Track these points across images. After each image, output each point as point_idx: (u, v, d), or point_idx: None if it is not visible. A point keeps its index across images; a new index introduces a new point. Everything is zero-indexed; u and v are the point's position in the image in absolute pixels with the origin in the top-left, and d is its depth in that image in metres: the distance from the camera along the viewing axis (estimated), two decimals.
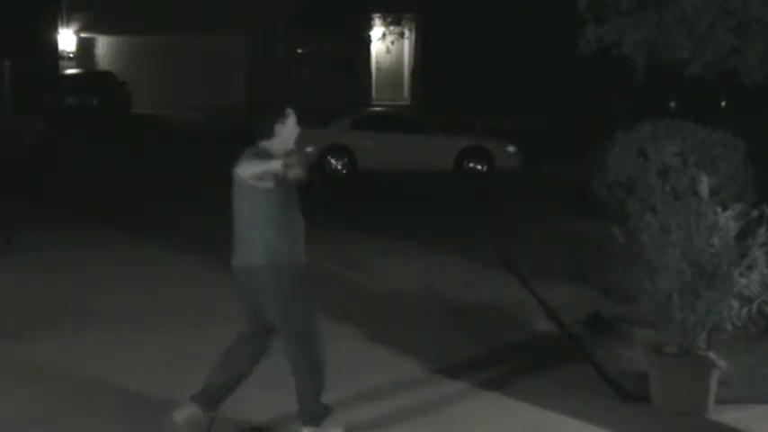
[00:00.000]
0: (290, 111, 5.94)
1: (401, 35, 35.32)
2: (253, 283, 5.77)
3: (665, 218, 6.52)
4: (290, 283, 5.73)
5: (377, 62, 36.49)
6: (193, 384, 6.77)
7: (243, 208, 5.77)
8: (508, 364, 7.37)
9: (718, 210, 6.34)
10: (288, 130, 5.88)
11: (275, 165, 5.53)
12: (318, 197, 16.12)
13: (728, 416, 6.25)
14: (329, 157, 18.55)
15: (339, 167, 18.39)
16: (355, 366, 7.11)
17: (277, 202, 5.69)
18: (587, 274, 9.58)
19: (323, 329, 5.91)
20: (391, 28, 35.04)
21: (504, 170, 18.72)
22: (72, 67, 33.85)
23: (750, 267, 6.23)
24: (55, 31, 34.24)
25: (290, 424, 6.01)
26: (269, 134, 5.84)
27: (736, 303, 6.24)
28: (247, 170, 5.67)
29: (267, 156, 5.73)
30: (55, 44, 34.23)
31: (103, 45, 35.73)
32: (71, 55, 34.80)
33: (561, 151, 20.29)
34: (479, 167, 18.82)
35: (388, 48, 35.35)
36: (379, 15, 35.24)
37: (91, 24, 34.68)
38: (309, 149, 17.71)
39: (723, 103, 23.09)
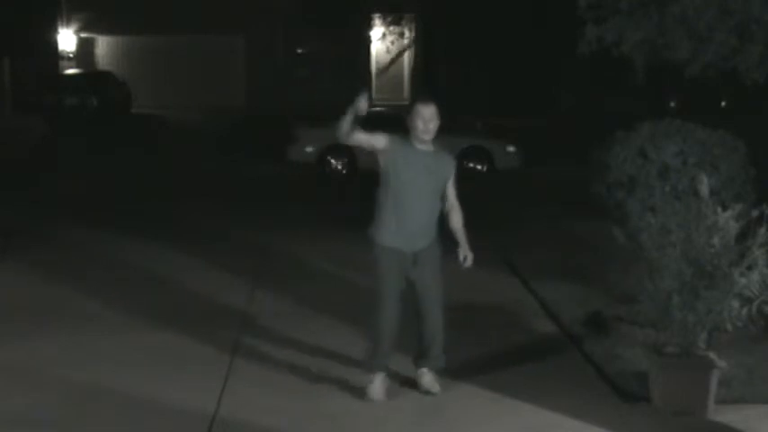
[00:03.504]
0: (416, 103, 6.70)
1: (401, 35, 35.33)
2: None
3: (665, 218, 6.52)
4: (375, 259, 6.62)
5: (377, 62, 36.50)
6: (195, 383, 6.78)
7: None
8: (508, 363, 7.37)
9: (719, 210, 6.34)
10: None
11: None
12: (318, 198, 16.20)
13: (728, 416, 6.25)
14: (329, 157, 18.54)
15: (339, 167, 18.37)
16: (355, 365, 7.10)
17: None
18: (587, 274, 9.57)
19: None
20: (391, 28, 35.06)
21: (504, 170, 18.71)
22: (72, 67, 33.85)
23: (750, 267, 6.23)
24: (55, 31, 34.24)
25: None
26: None
27: (736, 303, 6.24)
28: None
29: None
30: (55, 44, 34.23)
31: (103, 45, 35.74)
32: (71, 55, 34.80)
33: (561, 151, 20.29)
34: (479, 167, 18.80)
35: (388, 48, 35.36)
36: (379, 15, 35.25)
37: (91, 24, 34.68)
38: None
39: (723, 103, 23.11)
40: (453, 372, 7.07)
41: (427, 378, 6.71)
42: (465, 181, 20.30)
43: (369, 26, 35.43)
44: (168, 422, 6.18)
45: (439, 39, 31.70)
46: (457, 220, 6.85)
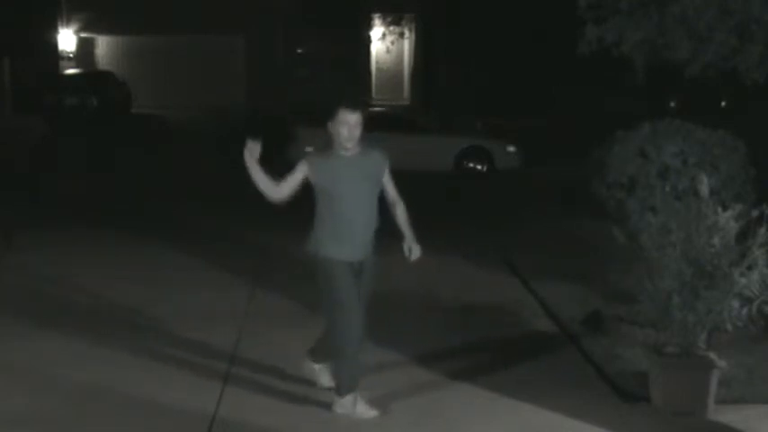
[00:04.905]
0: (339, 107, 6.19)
1: (401, 35, 35.35)
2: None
3: (665, 218, 6.52)
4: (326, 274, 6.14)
5: (377, 62, 36.51)
6: (195, 383, 6.79)
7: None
8: (508, 363, 7.37)
9: (719, 210, 6.34)
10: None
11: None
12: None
13: (728, 416, 6.25)
14: None
15: None
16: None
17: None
18: (587, 274, 9.58)
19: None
20: (391, 28, 35.08)
21: (504, 170, 18.72)
22: (72, 67, 33.85)
23: (750, 267, 6.23)
24: (55, 31, 34.23)
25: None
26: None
27: (736, 303, 6.24)
28: None
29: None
30: (55, 44, 34.22)
31: (103, 45, 35.75)
32: (71, 55, 34.80)
33: (561, 151, 20.29)
34: (479, 167, 18.80)
35: (388, 48, 35.36)
36: (379, 15, 35.27)
37: (91, 24, 34.69)
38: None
39: (723, 103, 23.09)
40: (453, 372, 7.08)
41: (326, 375, 6.57)
42: (465, 181, 20.35)
43: (369, 26, 35.44)
44: (168, 422, 6.18)
45: (439, 39, 31.69)
46: (401, 214, 6.53)
